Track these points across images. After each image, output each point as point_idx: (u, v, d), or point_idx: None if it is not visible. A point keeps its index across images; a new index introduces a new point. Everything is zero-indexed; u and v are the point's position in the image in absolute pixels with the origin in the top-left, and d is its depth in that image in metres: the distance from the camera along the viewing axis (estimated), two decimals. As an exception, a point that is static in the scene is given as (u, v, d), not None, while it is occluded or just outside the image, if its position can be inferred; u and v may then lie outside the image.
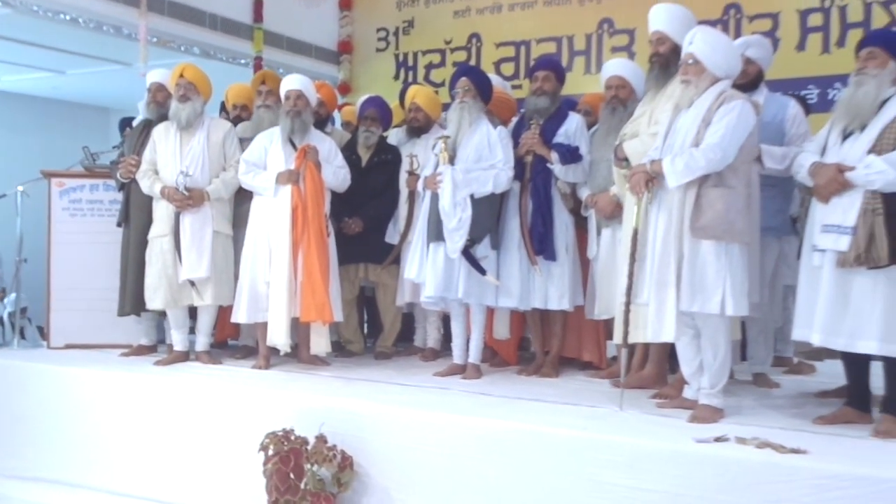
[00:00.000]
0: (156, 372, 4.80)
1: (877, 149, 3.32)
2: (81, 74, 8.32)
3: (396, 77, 8.20)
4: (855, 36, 5.53)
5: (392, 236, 5.34)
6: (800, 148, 3.88)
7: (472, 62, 7.66)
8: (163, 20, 6.59)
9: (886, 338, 3.27)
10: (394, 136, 5.60)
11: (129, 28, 6.40)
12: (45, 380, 4.86)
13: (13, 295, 5.72)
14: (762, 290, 4.12)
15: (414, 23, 8.14)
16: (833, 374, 4.10)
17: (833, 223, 3.37)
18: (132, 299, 5.10)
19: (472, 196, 4.47)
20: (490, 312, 4.80)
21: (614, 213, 4.31)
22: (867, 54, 3.51)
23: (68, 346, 5.39)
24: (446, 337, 5.10)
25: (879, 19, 6.18)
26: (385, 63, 8.28)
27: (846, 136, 3.49)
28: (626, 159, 3.99)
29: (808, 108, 5.08)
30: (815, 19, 6.43)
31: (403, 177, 5.26)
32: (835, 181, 3.37)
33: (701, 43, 3.61)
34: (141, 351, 5.29)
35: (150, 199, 5.04)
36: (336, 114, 6.45)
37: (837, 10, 6.35)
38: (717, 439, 3.21)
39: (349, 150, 5.36)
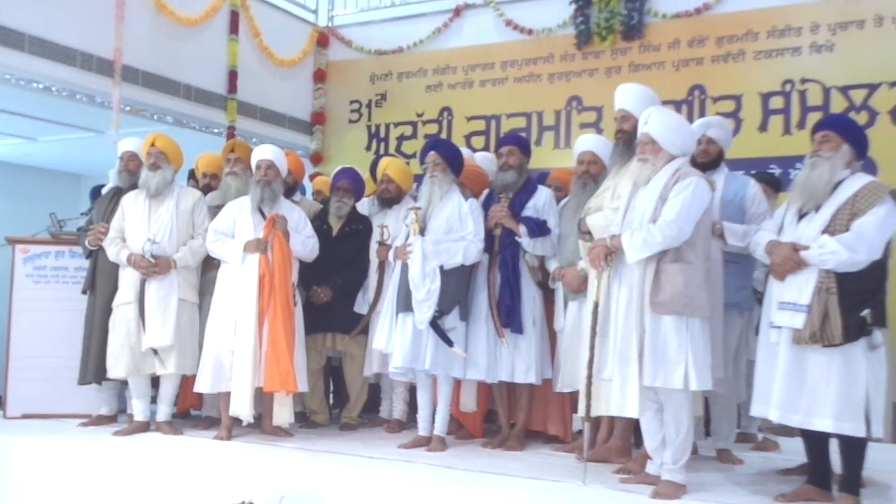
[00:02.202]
0: (115, 442, 4.70)
1: (830, 229, 3.42)
2: (53, 141, 8.35)
3: (368, 148, 8.32)
4: (814, 118, 5.71)
5: (361, 306, 5.33)
6: (759, 226, 3.97)
7: (444, 135, 7.82)
8: (136, 89, 6.67)
9: (841, 416, 3.31)
10: (365, 206, 5.65)
11: (102, 96, 6.47)
12: (1, 450, 4.73)
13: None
14: (725, 366, 4.15)
15: (387, 96, 8.31)
16: (798, 452, 4.09)
17: (789, 300, 3.44)
18: (94, 367, 5.02)
19: (441, 267, 4.50)
20: (457, 384, 4.78)
21: (581, 286, 4.35)
22: (822, 137, 3.63)
23: (25, 416, 5.27)
24: (412, 408, 5.07)
25: (838, 103, 6.42)
26: (357, 134, 8.41)
27: (802, 215, 3.59)
28: (590, 232, 4.06)
29: (779, 186, 5.23)
30: (777, 102, 6.66)
31: (374, 247, 5.29)
32: (790, 260, 3.46)
33: (656, 123, 3.72)
34: (100, 421, 5.19)
35: (117, 266, 5.01)
36: (307, 183, 6.51)
37: (798, 94, 6.59)
38: (679, 516, 3.20)
39: (320, 220, 5.40)
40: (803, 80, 6.56)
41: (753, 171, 5.54)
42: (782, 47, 6.66)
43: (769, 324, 3.54)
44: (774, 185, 5.12)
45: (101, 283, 5.10)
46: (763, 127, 6.70)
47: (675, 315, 3.52)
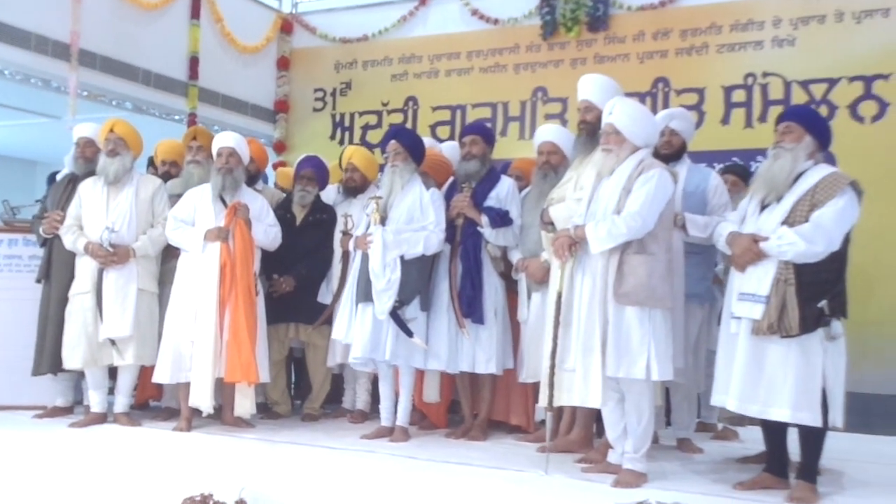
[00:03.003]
0: (71, 434, 4.62)
1: (790, 220, 3.45)
2: (7, 127, 8.16)
3: (333, 137, 8.27)
4: (776, 112, 5.78)
5: (325, 296, 5.29)
6: (721, 217, 4.01)
7: (409, 124, 7.78)
8: (94, 74, 6.54)
9: (797, 405, 3.36)
10: (329, 194, 5.60)
11: (59, 81, 6.33)
12: (-49, 442, 4.63)
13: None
14: (686, 356, 4.19)
15: (351, 84, 8.25)
16: (757, 440, 4.16)
17: (748, 291, 3.48)
18: (49, 358, 4.92)
19: (402, 257, 4.48)
20: (420, 375, 4.78)
21: (545, 278, 4.35)
22: (784, 128, 3.66)
23: (-23, 407, 5.16)
24: (375, 398, 5.05)
25: (798, 97, 6.51)
26: (322, 123, 8.34)
27: (764, 207, 3.62)
28: (552, 223, 4.06)
29: (749, 179, 5.26)
30: (739, 95, 6.74)
31: (338, 236, 5.25)
32: (749, 251, 3.49)
33: (620, 114, 3.73)
34: (56, 412, 5.08)
35: (73, 255, 4.91)
36: (270, 172, 6.43)
37: (759, 88, 6.66)
38: (639, 505, 3.22)
39: (283, 209, 5.35)
40: (765, 74, 6.64)
41: (718, 164, 5.63)
42: (745, 41, 6.73)
43: (729, 314, 3.58)
44: (745, 177, 5.16)
45: (56, 272, 4.98)
46: (725, 120, 6.77)
47: (638, 306, 3.54)
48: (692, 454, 4.40)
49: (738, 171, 5.17)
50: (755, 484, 3.59)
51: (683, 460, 4.24)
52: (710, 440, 4.84)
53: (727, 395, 3.51)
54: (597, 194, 3.74)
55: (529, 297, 4.56)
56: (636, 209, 3.53)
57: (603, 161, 3.75)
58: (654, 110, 5.92)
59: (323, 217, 5.36)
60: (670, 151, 4.38)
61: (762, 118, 6.60)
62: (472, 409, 4.86)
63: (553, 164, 4.56)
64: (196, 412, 4.73)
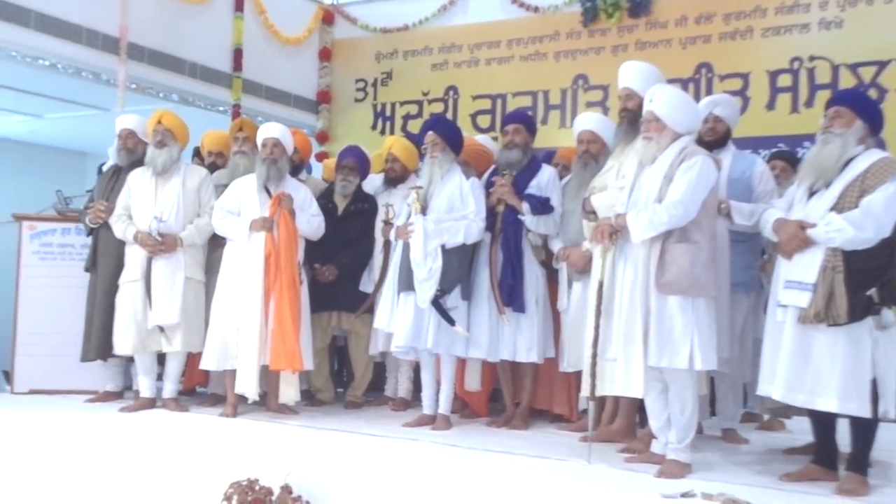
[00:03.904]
0: (121, 418, 4.72)
1: (838, 206, 3.38)
2: (59, 119, 8.35)
3: (374, 127, 8.30)
4: (823, 97, 5.68)
5: (366, 285, 5.33)
6: (767, 204, 3.95)
7: (449, 114, 7.77)
8: (142, 67, 6.65)
9: (845, 395, 3.29)
10: (370, 184, 5.63)
11: (108, 74, 6.45)
12: (8, 425, 4.76)
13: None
14: (731, 346, 4.14)
15: (392, 74, 8.26)
16: (803, 431, 4.10)
17: (795, 279, 3.41)
18: (97, 345, 5.04)
19: (443, 246, 4.49)
20: (461, 363, 4.79)
21: (586, 267, 4.31)
22: (833, 113, 3.57)
23: (33, 392, 5.30)
24: (417, 387, 5.08)
25: (847, 81, 6.35)
26: (363, 113, 8.37)
27: (812, 193, 3.55)
28: (594, 212, 4.04)
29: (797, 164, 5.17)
30: (785, 80, 6.60)
31: (379, 226, 5.28)
32: (796, 238, 3.43)
33: (660, 101, 3.68)
34: (107, 397, 5.22)
35: (119, 244, 5.01)
36: (314, 163, 6.49)
37: (806, 72, 6.52)
38: (684, 495, 3.19)
39: (326, 199, 5.39)
40: (812, 58, 6.49)
41: (763, 151, 5.53)
42: (791, 24, 6.59)
43: (776, 303, 3.52)
44: (794, 163, 5.07)
45: (102, 261, 5.10)
46: (771, 105, 6.64)
47: (681, 295, 3.50)
48: (737, 445, 4.35)
49: (787, 157, 5.08)
50: (802, 475, 3.54)
51: (728, 451, 4.19)
52: (756, 431, 4.78)
53: (773, 384, 3.46)
54: (638, 183, 3.70)
55: (570, 286, 4.54)
56: (678, 197, 3.49)
57: (644, 149, 3.71)
58: (698, 97, 5.86)
59: (364, 207, 5.39)
60: (714, 138, 4.32)
61: (809, 103, 6.46)
62: (513, 397, 4.86)
63: (593, 153, 4.52)
64: (242, 399, 4.81)
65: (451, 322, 4.46)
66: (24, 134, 9.23)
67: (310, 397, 5.42)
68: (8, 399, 5.23)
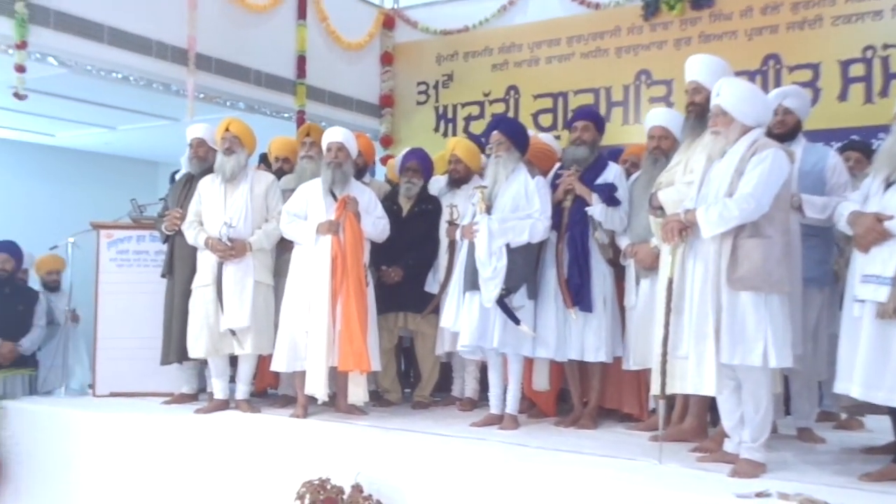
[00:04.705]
0: (197, 420, 4.86)
1: (917, 198, 3.28)
2: (131, 130, 8.61)
3: (436, 129, 8.34)
4: (898, 86, 5.52)
5: (431, 286, 5.36)
6: (841, 197, 3.85)
7: (511, 114, 7.76)
8: (209, 77, 6.82)
9: (928, 392, 3.19)
10: (434, 185, 5.66)
11: (178, 85, 6.64)
12: (90, 427, 4.94)
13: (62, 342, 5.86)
14: (805, 343, 4.05)
15: (453, 76, 8.30)
16: (883, 430, 3.98)
17: (872, 273, 3.32)
18: (176, 348, 5.19)
19: (508, 245, 4.49)
20: (529, 363, 4.77)
21: (654, 264, 4.26)
22: (910, 103, 3.48)
23: (113, 395, 5.48)
24: (484, 386, 5.09)
25: (922, 69, 6.15)
26: (425, 115, 8.43)
27: (889, 184, 3.45)
28: (661, 208, 3.99)
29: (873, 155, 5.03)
30: (857, 69, 6.40)
31: (444, 227, 5.31)
32: (873, 230, 3.34)
33: (727, 94, 3.62)
34: (182, 399, 5.36)
35: (193, 249, 5.15)
36: (379, 166, 6.55)
37: (880, 61, 6.32)
38: (759, 495, 3.13)
39: (390, 201, 5.45)
40: (886, 46, 6.27)
41: (836, 143, 5.37)
42: (862, 11, 6.38)
43: (852, 298, 3.43)
44: (869, 154, 4.92)
45: (178, 266, 5.25)
46: (843, 96, 6.45)
47: (753, 291, 3.43)
48: (814, 444, 4.25)
49: (861, 147, 4.94)
50: (883, 475, 3.43)
51: (804, 450, 4.10)
52: (833, 430, 4.66)
53: (851, 382, 3.36)
54: (708, 177, 3.64)
55: (638, 283, 4.49)
56: (749, 191, 3.42)
57: (713, 143, 3.64)
58: (766, 89, 5.74)
59: (428, 208, 5.42)
60: (784, 131, 4.23)
61: (883, 93, 6.25)
62: (581, 397, 4.83)
63: (664, 149, 4.46)
64: (311, 399, 4.88)
65: (517, 321, 4.46)
66: (99, 145, 9.55)
67: (378, 398, 5.48)
68: (90, 402, 5.42)
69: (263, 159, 5.98)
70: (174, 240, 5.27)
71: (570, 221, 4.60)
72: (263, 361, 5.26)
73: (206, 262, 5.08)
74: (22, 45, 5.57)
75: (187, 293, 5.14)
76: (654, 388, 3.75)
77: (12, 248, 6.12)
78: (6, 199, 9.05)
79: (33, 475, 5.05)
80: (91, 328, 5.65)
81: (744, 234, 3.46)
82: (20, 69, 5.60)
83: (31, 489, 5.04)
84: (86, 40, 5.98)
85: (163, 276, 5.36)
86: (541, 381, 4.88)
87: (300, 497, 3.74)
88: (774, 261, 3.44)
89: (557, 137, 6.84)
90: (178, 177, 5.76)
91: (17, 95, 5.68)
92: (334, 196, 4.95)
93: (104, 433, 4.87)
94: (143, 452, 4.69)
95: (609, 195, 4.53)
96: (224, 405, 5.10)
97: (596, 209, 4.54)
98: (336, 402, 5.02)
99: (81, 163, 9.79)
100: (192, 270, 5.14)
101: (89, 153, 9.83)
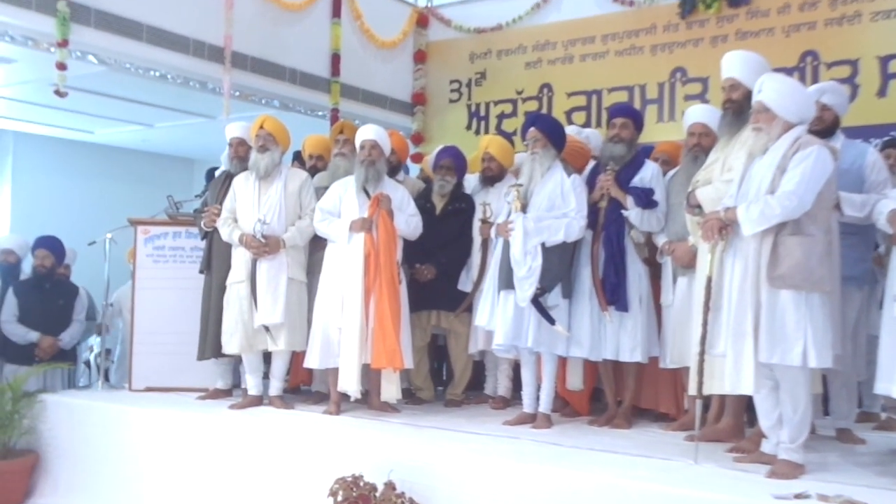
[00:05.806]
0: (231, 415, 4.89)
1: (961, 195, 3.21)
2: (168, 127, 8.73)
3: (469, 127, 8.33)
4: (939, 82, 5.40)
5: (465, 284, 5.35)
6: (880, 195, 3.78)
7: (544, 112, 7.72)
8: (245, 75, 6.88)
9: (972, 394, 3.12)
10: (467, 183, 5.66)
11: (214, 83, 6.71)
12: (127, 421, 5.01)
13: (98, 338, 5.94)
14: (844, 342, 3.98)
15: (486, 74, 8.28)
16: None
17: (914, 272, 3.26)
18: (212, 344, 5.22)
19: (543, 244, 4.47)
20: (562, 362, 4.75)
21: (691, 262, 4.22)
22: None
23: (149, 389, 5.54)
24: (517, 385, 5.07)
25: (964, 64, 6.02)
26: (458, 113, 8.43)
27: (931, 182, 3.39)
28: (699, 206, 3.94)
29: None
30: (897, 65, 6.30)
31: (477, 225, 5.30)
32: (913, 229, 3.27)
33: (769, 90, 3.57)
34: (217, 394, 5.41)
35: (230, 246, 5.18)
36: (410, 164, 6.56)
37: (920, 56, 6.21)
38: (798, 496, 3.10)
39: (424, 198, 5.45)
40: (926, 42, 6.17)
41: (875, 139, 5.29)
42: (903, 6, 6.28)
43: (893, 297, 3.36)
44: None
45: (216, 263, 5.29)
46: (882, 92, 6.33)
47: (794, 289, 3.38)
48: (854, 445, 4.19)
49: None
50: (926, 478, 3.38)
51: (844, 451, 4.04)
52: (873, 431, 4.58)
53: (892, 382, 3.31)
54: (749, 174, 3.59)
55: (675, 281, 4.45)
56: (791, 188, 3.37)
57: (754, 140, 3.60)
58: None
59: (462, 206, 5.42)
60: (822, 127, 4.15)
61: (923, 89, 6.14)
62: (616, 396, 4.79)
63: (704, 146, 4.40)
64: (344, 396, 4.90)
65: (551, 321, 4.43)
66: (136, 143, 9.69)
67: (410, 395, 5.48)
68: (127, 396, 5.49)
69: (297, 157, 6.01)
70: (212, 236, 5.31)
71: (606, 221, 4.56)
72: (297, 358, 5.29)
73: (240, 258, 5.11)
74: (63, 44, 5.67)
75: (224, 289, 5.18)
76: (692, 389, 3.71)
77: (53, 244, 6.22)
78: (46, 195, 9.23)
79: (71, 468, 5.13)
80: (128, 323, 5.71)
81: (785, 232, 3.41)
82: (61, 67, 5.70)
83: (70, 481, 5.12)
84: (125, 39, 6.07)
85: (201, 272, 5.41)
86: (575, 381, 4.85)
87: (333, 493, 3.75)
88: (816, 259, 3.38)
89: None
90: (216, 174, 5.81)
91: (58, 93, 5.78)
92: (367, 194, 4.96)
93: (140, 427, 4.93)
94: (177, 447, 4.74)
95: (646, 200, 4.48)
96: (258, 401, 5.13)
97: (631, 213, 4.51)
98: (369, 400, 5.03)
99: (119, 160, 9.94)
100: (230, 267, 5.18)
101: (127, 150, 9.98)
